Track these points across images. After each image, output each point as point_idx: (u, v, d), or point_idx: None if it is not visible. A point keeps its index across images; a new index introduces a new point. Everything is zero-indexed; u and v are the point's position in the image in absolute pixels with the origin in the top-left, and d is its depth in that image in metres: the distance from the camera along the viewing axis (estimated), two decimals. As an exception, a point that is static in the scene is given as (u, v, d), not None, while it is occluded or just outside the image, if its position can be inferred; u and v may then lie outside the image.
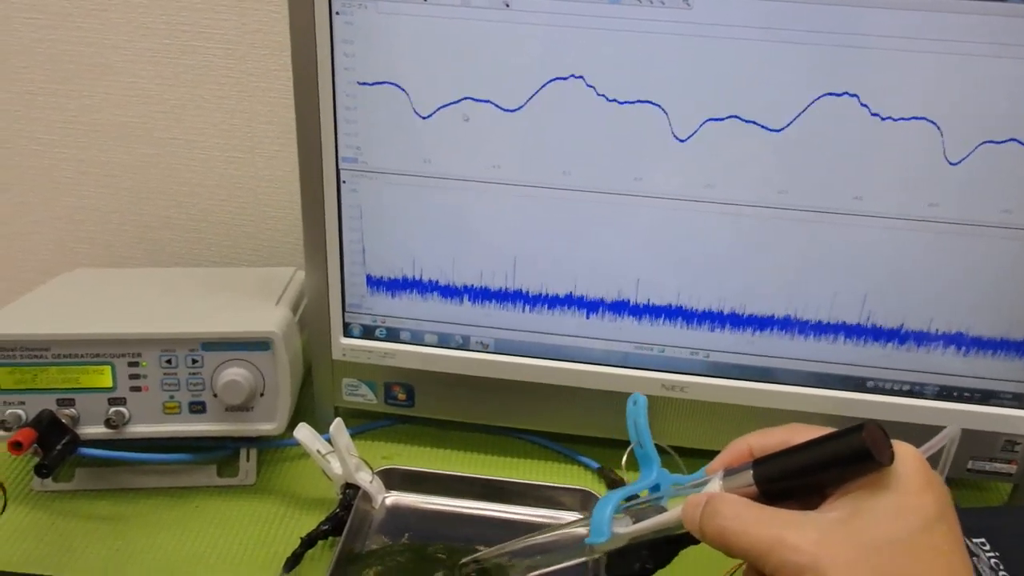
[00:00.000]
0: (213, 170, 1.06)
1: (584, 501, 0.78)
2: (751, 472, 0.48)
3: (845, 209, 0.71)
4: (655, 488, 0.60)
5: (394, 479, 0.79)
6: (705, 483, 0.52)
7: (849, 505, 0.41)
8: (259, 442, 0.81)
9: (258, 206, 1.07)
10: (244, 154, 1.04)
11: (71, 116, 1.05)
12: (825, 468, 0.44)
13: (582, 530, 0.62)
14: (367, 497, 0.76)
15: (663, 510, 0.56)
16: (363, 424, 0.89)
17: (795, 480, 0.47)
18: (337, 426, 0.74)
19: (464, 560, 0.69)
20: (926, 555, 0.38)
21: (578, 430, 0.85)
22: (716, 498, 0.48)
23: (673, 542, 0.58)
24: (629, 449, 0.61)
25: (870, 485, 0.41)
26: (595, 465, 0.85)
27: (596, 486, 0.81)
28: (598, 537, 0.57)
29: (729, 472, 0.50)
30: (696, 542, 0.51)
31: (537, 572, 0.71)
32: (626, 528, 0.57)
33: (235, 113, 1.02)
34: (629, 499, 0.59)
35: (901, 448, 0.42)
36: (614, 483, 0.82)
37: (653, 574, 0.59)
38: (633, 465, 0.57)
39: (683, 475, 0.60)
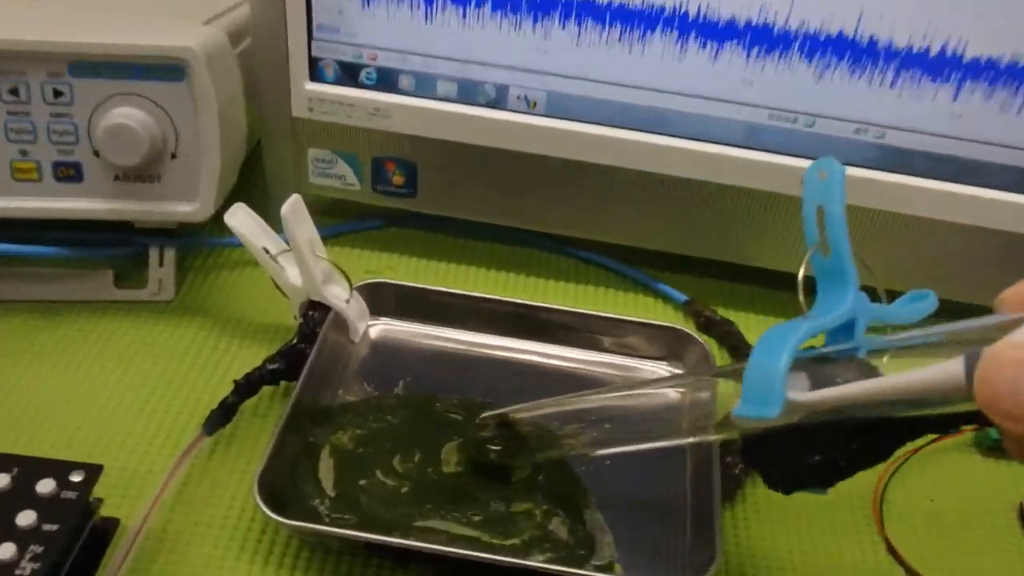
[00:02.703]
0: None
1: (674, 346, 0.51)
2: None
3: None
4: (843, 331, 0.34)
5: (384, 300, 0.52)
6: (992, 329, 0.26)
7: None
8: (177, 237, 0.53)
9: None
10: None
11: None
12: None
13: (670, 394, 0.42)
14: (341, 325, 0.49)
15: (869, 369, 0.31)
16: (340, 224, 0.61)
17: None
18: (294, 208, 0.46)
19: (486, 415, 0.43)
20: None
21: (660, 244, 0.57)
22: None
23: (894, 427, 0.32)
24: (806, 259, 0.36)
25: None
26: (682, 298, 0.57)
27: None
28: (766, 407, 0.31)
29: None
30: (947, 431, 0.31)
31: (609, 451, 0.45)
32: (810, 395, 0.31)
33: None
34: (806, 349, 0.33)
35: None
36: (711, 324, 0.55)
37: (838, 477, 0.34)
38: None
39: (885, 306, 0.34)
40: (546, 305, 0.51)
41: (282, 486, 0.41)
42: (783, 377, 0.30)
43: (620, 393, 0.44)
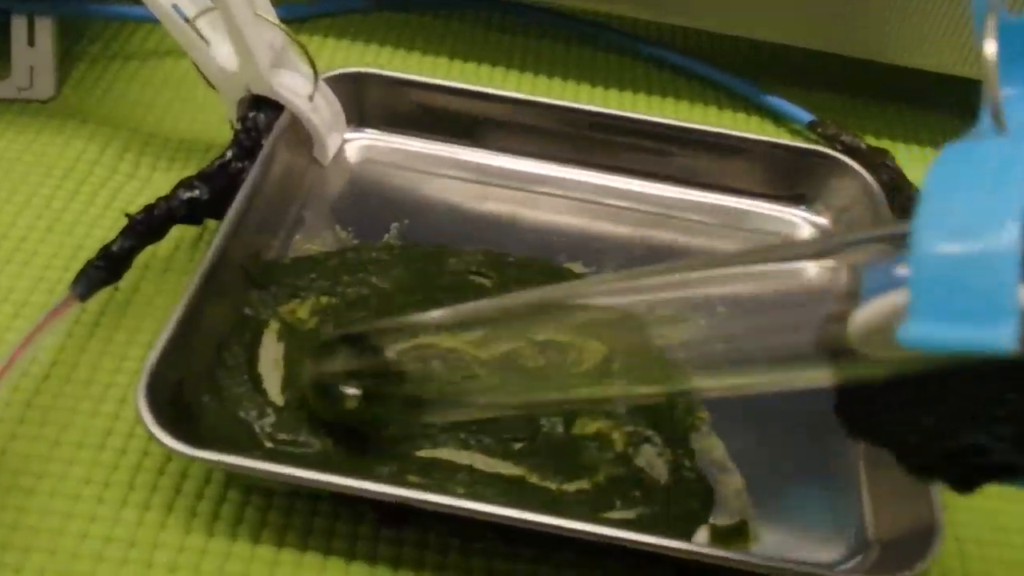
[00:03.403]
0: None
1: (815, 181, 0.33)
2: None
3: None
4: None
5: (370, 101, 0.34)
6: None
7: None
8: (58, 2, 0.35)
9: None
10: None
11: None
12: None
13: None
14: (301, 137, 0.32)
15: None
16: (310, 3, 0.42)
17: None
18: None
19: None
20: None
21: (767, 33, 0.39)
22: None
23: None
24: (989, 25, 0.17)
25: None
26: (805, 117, 0.39)
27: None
28: (983, 325, 0.15)
29: None
30: None
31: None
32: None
33: None
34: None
35: None
36: (853, 153, 0.37)
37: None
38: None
39: None
40: (618, 113, 0.34)
41: (195, 389, 0.25)
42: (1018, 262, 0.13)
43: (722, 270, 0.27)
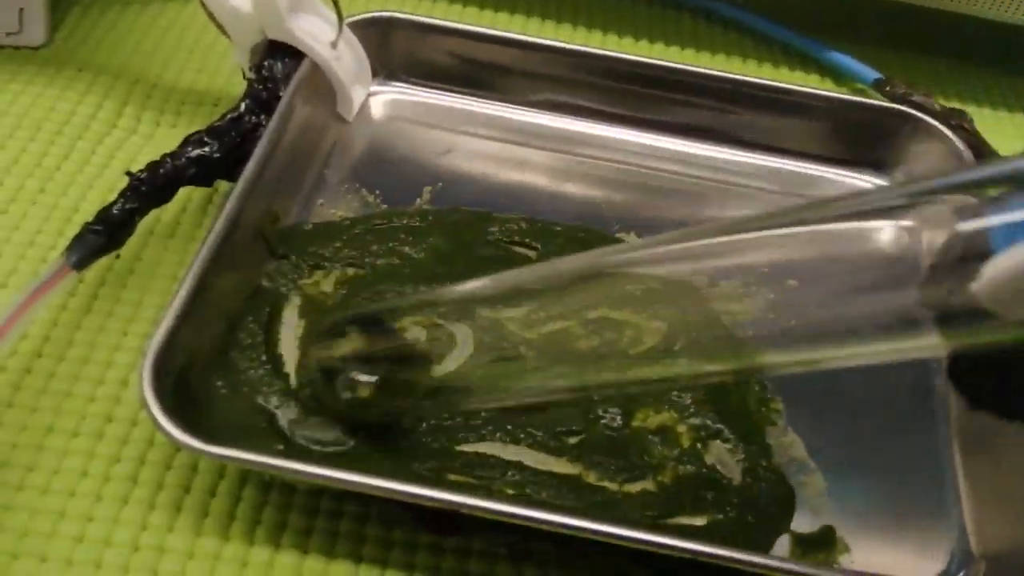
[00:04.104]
0: None
1: (894, 144, 0.30)
2: None
3: None
4: None
5: (400, 50, 0.31)
6: None
7: None
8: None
9: None
10: None
11: None
12: None
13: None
14: (323, 89, 0.28)
15: None
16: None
17: None
18: None
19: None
20: None
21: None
22: None
23: None
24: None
25: None
26: (871, 75, 0.36)
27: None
28: None
29: None
30: None
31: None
32: None
33: None
34: None
35: None
36: (923, 111, 0.33)
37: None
38: None
39: None
40: (670, 64, 0.30)
41: (206, 372, 0.22)
42: None
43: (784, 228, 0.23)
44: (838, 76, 0.37)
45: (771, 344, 0.19)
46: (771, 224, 0.20)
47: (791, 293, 0.19)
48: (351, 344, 0.21)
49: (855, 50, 0.37)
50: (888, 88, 0.35)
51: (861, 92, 0.36)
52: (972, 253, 0.15)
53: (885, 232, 0.29)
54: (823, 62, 0.37)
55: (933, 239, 0.28)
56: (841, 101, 0.30)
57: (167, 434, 0.19)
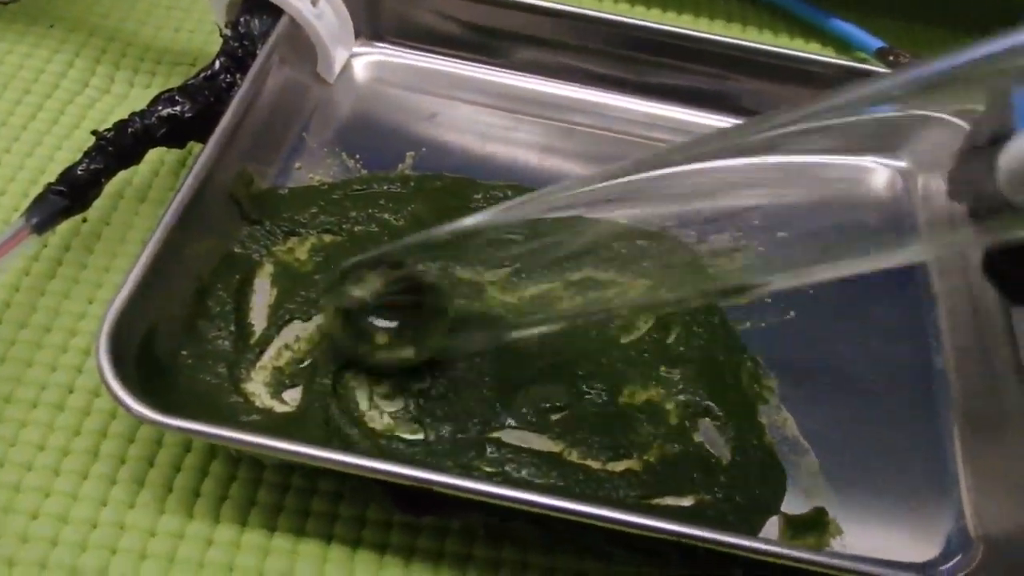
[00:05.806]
0: None
1: (902, 122, 0.29)
2: None
3: None
4: None
5: (384, 7, 0.29)
6: None
7: None
8: None
9: None
10: None
11: None
12: None
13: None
14: (303, 48, 0.27)
15: None
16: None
17: None
18: None
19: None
20: None
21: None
22: None
23: None
24: None
25: None
26: (874, 43, 0.35)
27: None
28: None
29: None
30: None
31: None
32: None
33: None
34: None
35: None
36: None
37: None
38: None
39: None
40: (668, 28, 0.29)
41: (171, 340, 0.21)
42: None
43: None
44: (840, 44, 0.35)
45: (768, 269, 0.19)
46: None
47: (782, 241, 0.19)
48: (370, 286, 0.21)
49: (858, 18, 0.36)
50: (891, 57, 0.34)
51: (863, 60, 0.35)
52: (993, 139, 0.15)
53: (879, 174, 0.28)
54: (825, 30, 0.36)
55: (928, 183, 0.28)
56: (843, 69, 0.29)
57: (122, 403, 0.18)
